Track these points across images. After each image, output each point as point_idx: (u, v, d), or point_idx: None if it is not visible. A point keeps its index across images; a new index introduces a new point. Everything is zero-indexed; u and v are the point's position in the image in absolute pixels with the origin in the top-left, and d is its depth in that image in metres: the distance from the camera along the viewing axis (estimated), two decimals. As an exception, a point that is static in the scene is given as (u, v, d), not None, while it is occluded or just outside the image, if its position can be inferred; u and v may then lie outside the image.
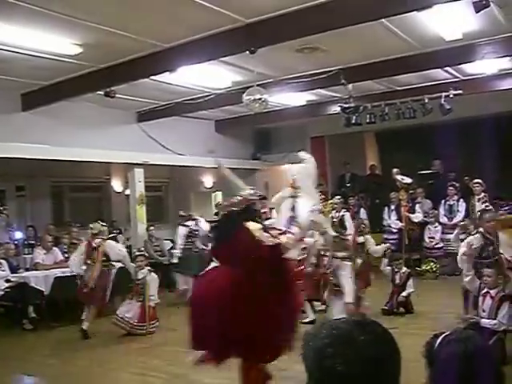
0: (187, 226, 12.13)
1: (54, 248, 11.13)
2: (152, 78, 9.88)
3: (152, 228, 13.92)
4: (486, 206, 11.18)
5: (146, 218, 13.80)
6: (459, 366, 2.07)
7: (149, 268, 9.72)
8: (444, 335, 2.20)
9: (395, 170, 12.55)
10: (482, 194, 11.82)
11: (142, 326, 9.18)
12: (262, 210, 12.63)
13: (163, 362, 7.68)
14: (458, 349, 2.11)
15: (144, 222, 13.67)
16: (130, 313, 9.20)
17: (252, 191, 5.73)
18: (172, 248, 14.35)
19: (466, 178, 13.52)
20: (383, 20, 7.77)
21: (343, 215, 12.14)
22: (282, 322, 4.90)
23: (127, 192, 14.56)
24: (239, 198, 5.48)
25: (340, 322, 1.50)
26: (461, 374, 2.06)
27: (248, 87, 9.45)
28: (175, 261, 12.16)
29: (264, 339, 4.80)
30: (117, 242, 13.77)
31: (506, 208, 12.02)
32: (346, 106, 11.92)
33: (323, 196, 13.16)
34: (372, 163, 16.86)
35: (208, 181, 17.38)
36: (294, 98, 12.91)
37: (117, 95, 10.29)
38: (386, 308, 9.43)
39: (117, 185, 16.20)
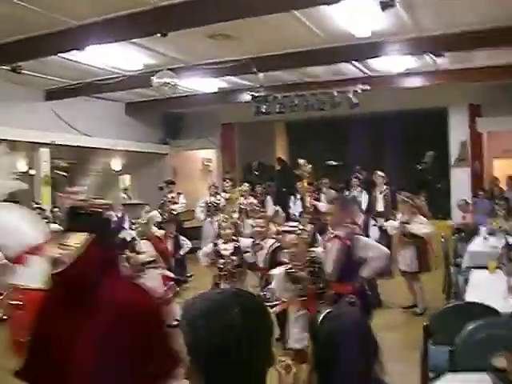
0: None
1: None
2: (61, 55, 9.65)
3: (56, 209, 13.62)
4: (386, 198, 11.71)
5: (51, 199, 13.50)
6: (338, 339, 2.22)
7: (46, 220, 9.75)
8: (326, 312, 2.34)
9: (301, 161, 12.76)
10: (384, 187, 12.23)
11: None
12: (170, 195, 12.78)
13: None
14: (337, 323, 2.27)
15: (49, 204, 13.37)
16: None
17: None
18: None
19: (363, 172, 13.99)
20: (295, 12, 7.91)
21: (251, 202, 12.34)
22: None
23: (32, 172, 14.19)
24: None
25: (214, 293, 1.55)
26: (340, 346, 2.21)
27: (159, 70, 9.42)
28: None
29: None
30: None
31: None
32: (257, 94, 12.06)
33: (231, 183, 13.36)
34: (279, 156, 17.15)
35: (116, 164, 17.16)
36: (205, 84, 12.91)
37: (24, 71, 10.02)
38: None
39: (21, 164, 15.74)
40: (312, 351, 2.33)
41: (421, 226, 8.90)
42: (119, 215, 12.31)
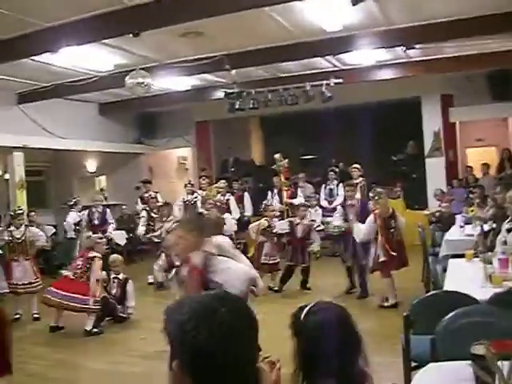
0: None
1: None
2: (33, 58, 9.58)
3: (33, 213, 13.55)
4: (362, 190, 11.81)
5: (26, 203, 13.41)
6: (325, 332, 2.27)
7: (25, 223, 9.79)
8: (309, 306, 2.38)
9: (277, 156, 12.83)
10: (360, 179, 12.32)
11: (38, 282, 9.21)
12: (146, 195, 12.77)
13: (46, 348, 7.56)
14: (323, 317, 2.32)
15: (25, 207, 13.28)
16: (26, 274, 9.15)
17: None
18: (55, 234, 14.08)
19: (341, 163, 14.17)
20: (266, 8, 7.94)
21: (228, 199, 12.35)
22: None
23: (6, 176, 14.09)
24: None
25: (200, 296, 1.57)
26: (327, 340, 2.26)
27: (132, 70, 9.40)
28: None
29: None
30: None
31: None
32: (230, 91, 12.07)
33: (208, 180, 13.38)
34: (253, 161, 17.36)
35: (91, 165, 17.09)
36: (178, 83, 12.89)
37: (-5, 75, 9.94)
38: None
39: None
40: (296, 347, 2.37)
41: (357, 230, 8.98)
42: (99, 210, 12.29)
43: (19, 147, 13.00)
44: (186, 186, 13.00)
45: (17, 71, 10.79)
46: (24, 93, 12.98)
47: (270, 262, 10.24)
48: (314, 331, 2.30)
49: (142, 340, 7.62)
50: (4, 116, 12.60)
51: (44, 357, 7.19)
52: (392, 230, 8.66)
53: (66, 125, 14.17)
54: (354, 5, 6.89)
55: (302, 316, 2.36)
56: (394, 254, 8.54)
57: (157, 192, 13.07)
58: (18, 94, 13.08)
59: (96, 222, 11.79)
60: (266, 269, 10.07)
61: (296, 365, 2.36)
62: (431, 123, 14.40)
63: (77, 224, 12.44)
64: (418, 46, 10.27)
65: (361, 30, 9.45)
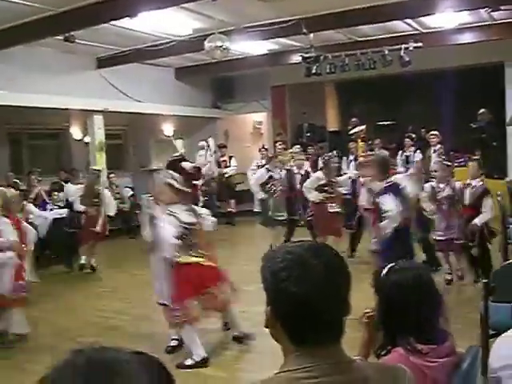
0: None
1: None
2: (112, 23, 9.75)
3: (112, 175, 13.93)
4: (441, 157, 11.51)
5: (105, 165, 13.77)
6: (403, 290, 2.29)
7: None
8: (391, 265, 2.40)
9: (353, 120, 12.70)
10: (438, 146, 12.05)
11: None
12: (222, 159, 12.89)
13: (126, 304, 7.80)
14: (402, 276, 2.33)
15: (105, 170, 13.65)
16: None
17: None
18: (132, 195, 14.40)
19: (423, 129, 13.85)
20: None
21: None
22: None
23: (86, 139, 14.47)
24: None
25: (295, 246, 1.60)
26: (406, 298, 2.28)
27: (209, 35, 9.44)
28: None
29: None
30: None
31: (461, 160, 12.26)
32: (307, 55, 11.96)
33: (283, 145, 13.36)
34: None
35: (168, 129, 17.33)
36: (255, 47, 12.88)
37: (76, 40, 10.16)
38: None
39: (76, 132, 16.05)
40: (378, 304, 2.40)
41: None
42: (302, 173, 11.37)
43: (99, 111, 13.31)
44: (260, 150, 13.05)
45: (97, 36, 11.02)
46: (103, 57, 13.26)
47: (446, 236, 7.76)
48: (393, 289, 2.33)
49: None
50: (84, 80, 12.94)
51: (124, 312, 7.43)
52: None
53: (143, 89, 14.41)
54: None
55: (383, 274, 2.39)
56: None
57: (231, 156, 13.14)
58: (97, 58, 13.36)
59: (298, 185, 10.96)
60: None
61: (378, 321, 2.40)
62: (515, 89, 13.85)
63: (265, 183, 10.86)
64: (503, 7, 9.85)
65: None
